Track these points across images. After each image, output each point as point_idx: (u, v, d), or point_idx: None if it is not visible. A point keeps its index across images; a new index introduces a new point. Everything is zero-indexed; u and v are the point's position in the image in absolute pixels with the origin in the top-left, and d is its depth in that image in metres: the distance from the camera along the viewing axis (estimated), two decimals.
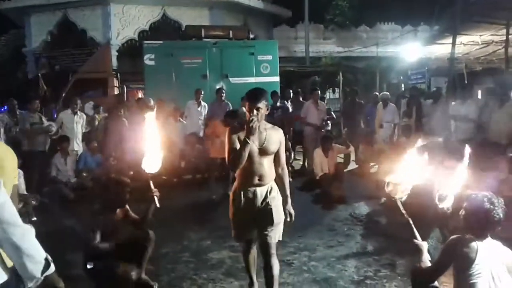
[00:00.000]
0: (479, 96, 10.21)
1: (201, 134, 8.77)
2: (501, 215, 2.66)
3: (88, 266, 3.59)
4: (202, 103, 9.03)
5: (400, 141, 8.72)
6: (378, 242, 4.98)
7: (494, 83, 8.10)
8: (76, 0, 14.24)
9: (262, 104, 3.13)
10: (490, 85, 7.85)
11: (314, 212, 6.17)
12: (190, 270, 4.26)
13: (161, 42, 11.03)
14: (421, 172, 3.18)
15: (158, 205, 3.65)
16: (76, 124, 7.85)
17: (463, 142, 6.94)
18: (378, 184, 5.54)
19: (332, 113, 9.75)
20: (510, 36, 9.59)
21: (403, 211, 3.06)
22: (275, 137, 3.28)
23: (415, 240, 3.00)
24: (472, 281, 2.56)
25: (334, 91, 17.05)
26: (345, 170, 8.09)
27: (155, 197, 3.62)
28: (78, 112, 8.00)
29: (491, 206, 2.65)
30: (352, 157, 9.17)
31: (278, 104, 9.19)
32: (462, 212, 2.81)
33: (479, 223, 2.67)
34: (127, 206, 3.83)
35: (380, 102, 9.27)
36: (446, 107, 7.82)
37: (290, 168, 7.94)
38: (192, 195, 7.07)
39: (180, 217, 5.85)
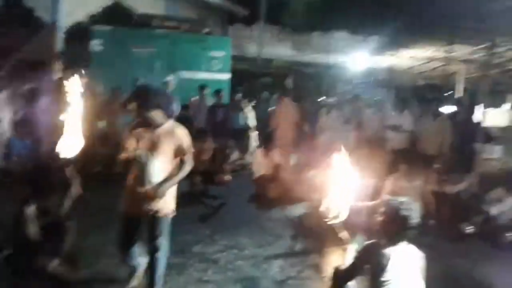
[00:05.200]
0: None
1: None
2: (418, 221, 2.78)
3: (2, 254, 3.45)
4: None
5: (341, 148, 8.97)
6: (306, 243, 5.10)
7: (430, 98, 8.51)
8: None
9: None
10: (426, 99, 8.25)
11: (249, 210, 6.24)
12: (113, 264, 4.16)
13: (110, 27, 10.71)
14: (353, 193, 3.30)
15: (80, 191, 3.59)
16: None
17: (396, 151, 7.30)
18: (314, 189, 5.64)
19: None
20: (451, 54, 10.12)
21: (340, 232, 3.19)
22: None
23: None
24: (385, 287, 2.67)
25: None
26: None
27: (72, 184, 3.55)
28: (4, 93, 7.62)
29: (408, 212, 2.76)
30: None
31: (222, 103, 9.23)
32: (379, 216, 2.90)
33: (396, 228, 2.76)
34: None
35: (324, 108, 9.49)
36: (384, 117, 8.12)
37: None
38: None
39: (109, 210, 5.68)
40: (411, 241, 2.82)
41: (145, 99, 3.38)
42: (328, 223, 3.35)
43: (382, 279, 2.67)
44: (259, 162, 7.03)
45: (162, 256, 3.50)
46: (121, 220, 3.53)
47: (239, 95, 9.78)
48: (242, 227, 5.41)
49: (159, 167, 3.39)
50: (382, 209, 2.86)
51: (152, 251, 3.46)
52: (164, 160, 3.41)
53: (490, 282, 4.37)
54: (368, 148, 7.74)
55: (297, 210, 6.37)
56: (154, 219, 3.41)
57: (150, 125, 3.40)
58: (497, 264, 4.86)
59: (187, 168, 3.48)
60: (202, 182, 6.76)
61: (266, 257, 4.59)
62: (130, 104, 3.70)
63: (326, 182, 3.48)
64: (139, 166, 3.38)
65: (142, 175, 3.36)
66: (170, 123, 3.46)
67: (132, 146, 3.41)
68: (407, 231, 2.76)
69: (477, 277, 4.49)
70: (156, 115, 3.39)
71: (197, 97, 9.44)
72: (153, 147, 3.38)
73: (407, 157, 6.48)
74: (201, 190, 6.71)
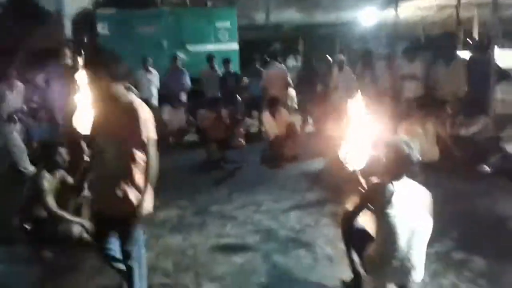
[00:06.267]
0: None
1: (154, 101, 8.75)
2: (418, 157, 2.82)
3: (27, 227, 3.63)
4: (153, 71, 8.94)
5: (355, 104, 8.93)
6: (323, 195, 5.17)
7: (443, 44, 8.30)
8: None
9: None
10: (439, 46, 8.05)
11: (265, 171, 6.32)
12: None
13: (114, 10, 10.75)
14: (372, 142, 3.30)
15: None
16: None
17: (410, 100, 7.20)
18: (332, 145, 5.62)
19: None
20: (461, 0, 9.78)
21: (361, 180, 3.21)
22: None
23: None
24: (390, 221, 2.71)
25: (296, 60, 17.13)
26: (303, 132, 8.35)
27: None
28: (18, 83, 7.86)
29: (409, 150, 2.80)
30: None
31: (231, 71, 9.27)
32: (382, 156, 2.95)
33: (398, 165, 2.81)
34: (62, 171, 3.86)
35: (336, 65, 9.39)
36: (396, 67, 7.99)
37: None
38: None
39: None
40: (416, 178, 2.86)
41: (103, 66, 2.61)
42: (347, 169, 3.36)
43: (387, 211, 2.71)
44: (269, 124, 7.06)
45: (136, 265, 2.85)
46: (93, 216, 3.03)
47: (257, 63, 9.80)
48: (258, 186, 5.51)
49: (117, 155, 2.68)
50: (384, 149, 2.90)
51: (125, 259, 2.84)
52: (122, 145, 2.67)
53: (510, 214, 4.35)
54: (383, 99, 7.69)
55: (313, 165, 6.41)
56: (125, 222, 2.72)
57: (109, 100, 2.67)
58: None
59: (153, 160, 2.69)
60: (218, 149, 6.86)
61: (283, 210, 4.68)
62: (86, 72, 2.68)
63: (344, 133, 3.50)
64: (99, 155, 2.77)
65: (102, 166, 2.74)
66: (131, 99, 2.70)
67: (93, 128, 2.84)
68: (409, 167, 2.80)
69: (498, 214, 4.47)
70: (116, 87, 2.66)
71: (207, 68, 9.49)
72: (109, 128, 2.67)
73: (421, 104, 6.41)
74: (218, 157, 6.81)
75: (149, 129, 2.65)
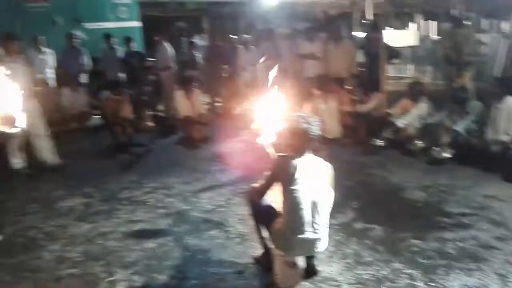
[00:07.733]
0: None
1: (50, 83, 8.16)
2: (318, 133, 2.97)
3: None
4: (46, 50, 8.24)
5: (262, 83, 9.08)
6: (234, 174, 5.24)
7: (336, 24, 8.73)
8: None
9: None
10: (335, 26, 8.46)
11: (175, 153, 6.25)
12: (38, 219, 4.08)
13: None
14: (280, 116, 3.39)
15: None
16: None
17: (311, 79, 7.53)
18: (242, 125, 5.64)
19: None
20: None
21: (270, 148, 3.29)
22: None
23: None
24: (294, 195, 2.85)
25: (202, 38, 16.88)
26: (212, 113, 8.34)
27: None
28: None
29: (308, 125, 2.94)
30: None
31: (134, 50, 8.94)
32: (283, 133, 3.08)
33: (298, 141, 2.95)
34: None
35: (242, 46, 9.44)
36: (297, 46, 8.28)
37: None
38: None
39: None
40: (318, 153, 3.01)
41: None
42: (258, 146, 3.44)
43: (292, 187, 2.84)
44: (183, 104, 6.89)
45: None
46: None
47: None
48: (169, 169, 5.44)
49: None
50: (285, 125, 3.03)
51: None
52: None
53: (402, 184, 4.82)
54: (287, 79, 7.94)
55: (224, 146, 6.46)
56: None
57: None
58: (407, 168, 5.35)
59: None
60: (124, 132, 6.61)
61: (194, 192, 4.69)
62: None
63: (253, 112, 3.57)
64: None
65: None
66: None
67: None
68: (309, 142, 2.94)
69: (391, 183, 4.91)
70: None
71: (105, 48, 9.03)
72: None
73: (321, 82, 6.75)
74: (125, 140, 6.58)
75: None
